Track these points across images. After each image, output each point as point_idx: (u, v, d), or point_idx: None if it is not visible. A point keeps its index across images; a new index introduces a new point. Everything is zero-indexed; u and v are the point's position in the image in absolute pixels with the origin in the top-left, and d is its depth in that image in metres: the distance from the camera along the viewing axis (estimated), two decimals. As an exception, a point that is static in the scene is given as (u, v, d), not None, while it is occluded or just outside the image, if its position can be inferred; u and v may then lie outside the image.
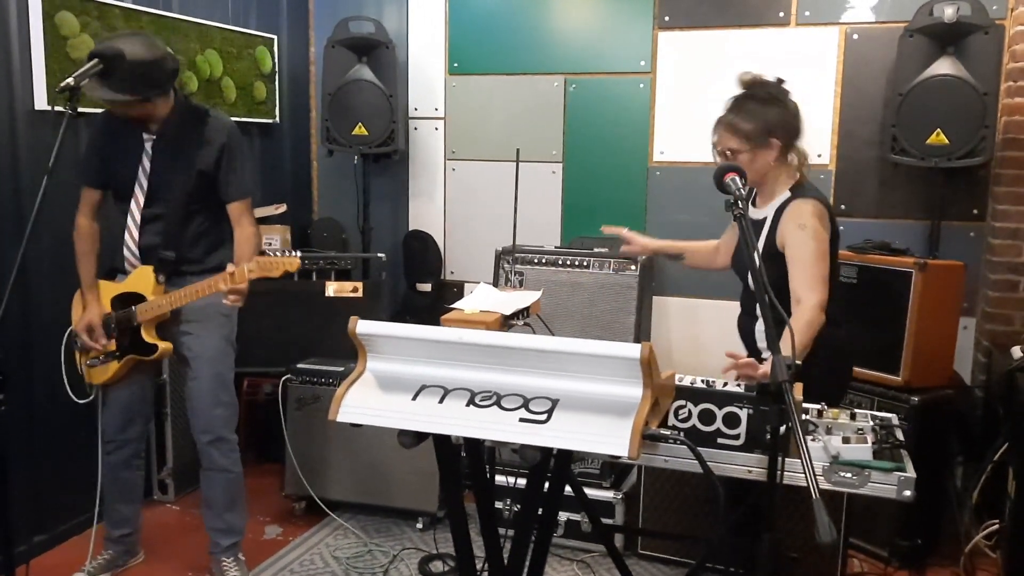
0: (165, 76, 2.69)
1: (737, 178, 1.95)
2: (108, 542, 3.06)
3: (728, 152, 2.39)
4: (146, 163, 2.79)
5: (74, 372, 2.94)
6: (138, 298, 2.80)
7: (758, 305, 2.37)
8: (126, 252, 2.83)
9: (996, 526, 3.03)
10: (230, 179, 2.84)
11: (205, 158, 2.80)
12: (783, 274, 2.32)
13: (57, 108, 2.51)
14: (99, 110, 3.08)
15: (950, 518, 3.22)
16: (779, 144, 2.37)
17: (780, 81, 2.45)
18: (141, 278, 2.81)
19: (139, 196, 2.80)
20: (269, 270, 2.62)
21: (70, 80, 2.25)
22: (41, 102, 3.08)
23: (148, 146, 2.79)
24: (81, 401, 2.93)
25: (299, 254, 2.63)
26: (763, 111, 2.37)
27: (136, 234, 2.81)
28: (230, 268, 2.64)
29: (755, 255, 1.80)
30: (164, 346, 2.82)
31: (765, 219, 2.44)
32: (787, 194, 2.42)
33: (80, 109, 2.32)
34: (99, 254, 2.89)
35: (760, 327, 2.44)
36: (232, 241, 2.90)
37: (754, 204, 2.51)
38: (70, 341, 2.94)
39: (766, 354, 2.39)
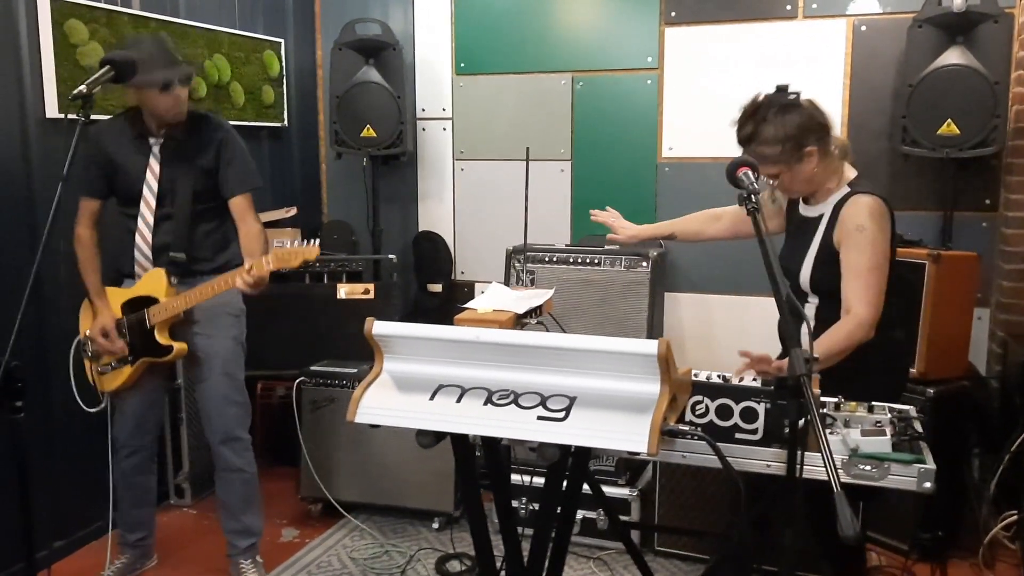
0: (188, 69, 2.79)
1: (750, 172, 1.93)
2: (124, 547, 3.08)
3: (767, 177, 2.28)
4: (155, 166, 2.81)
5: (84, 381, 2.95)
6: (150, 301, 2.81)
7: (807, 307, 2.32)
8: (138, 256, 2.83)
9: (1015, 517, 3.02)
10: (229, 174, 2.86)
11: (206, 157, 2.83)
12: (837, 273, 2.23)
13: (70, 116, 2.51)
14: (107, 117, 3.09)
15: (968, 510, 3.21)
16: (815, 150, 2.25)
17: (781, 88, 2.29)
18: (153, 281, 2.82)
19: (150, 199, 2.81)
20: (288, 260, 2.59)
21: (83, 87, 2.26)
22: (52, 110, 3.10)
23: (156, 150, 2.82)
24: (91, 410, 2.94)
25: (317, 242, 2.60)
26: (783, 128, 2.22)
27: (149, 237, 2.82)
28: (248, 263, 2.63)
29: (769, 249, 1.78)
30: (179, 347, 2.83)
31: (822, 216, 2.32)
32: (846, 189, 2.30)
33: (93, 116, 2.33)
34: (102, 261, 2.90)
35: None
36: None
37: (808, 202, 2.40)
38: (79, 350, 2.95)
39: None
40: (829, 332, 2.13)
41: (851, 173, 2.35)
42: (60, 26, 3.11)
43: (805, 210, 2.42)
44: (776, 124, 2.23)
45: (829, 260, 2.27)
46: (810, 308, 2.35)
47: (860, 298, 2.16)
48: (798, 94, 2.27)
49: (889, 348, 2.28)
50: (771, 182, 2.32)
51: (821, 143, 2.27)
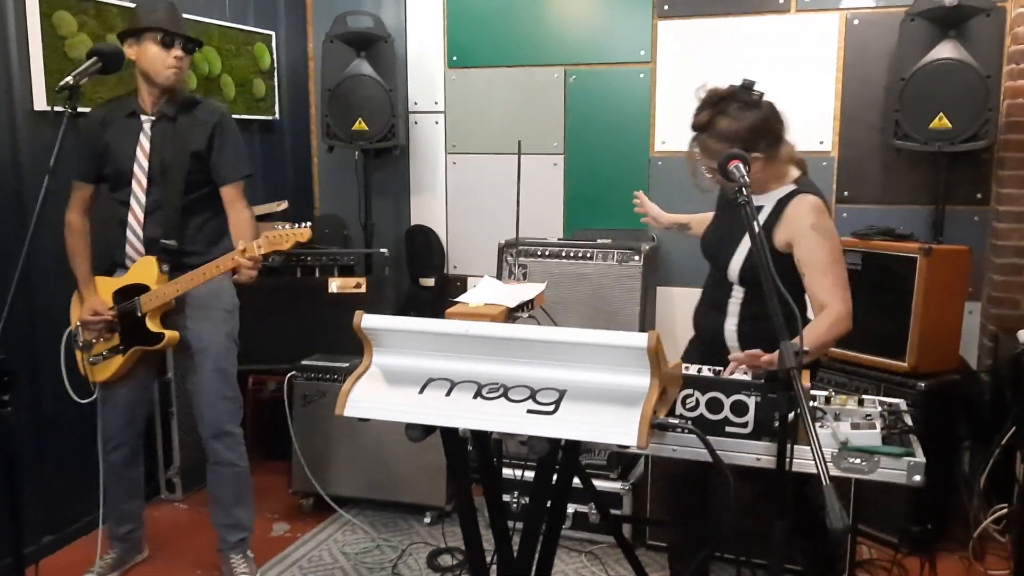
0: (194, 41, 2.84)
1: (741, 165, 1.93)
2: (114, 540, 3.07)
3: (709, 170, 2.29)
4: (144, 143, 2.79)
5: (75, 372, 2.93)
6: (141, 289, 2.79)
7: (731, 300, 2.33)
8: (129, 242, 2.81)
9: (1005, 510, 3.03)
10: (222, 160, 2.84)
11: (198, 140, 2.81)
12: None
13: (57, 108, 2.51)
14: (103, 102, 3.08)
15: (958, 503, 3.22)
16: (761, 156, 2.23)
17: (747, 86, 2.26)
18: (144, 269, 2.80)
19: (140, 179, 2.79)
20: (279, 243, 2.57)
21: (69, 79, 2.24)
22: (40, 102, 3.08)
23: (147, 127, 2.80)
24: (83, 401, 2.92)
25: (309, 224, 2.59)
26: (736, 126, 2.22)
27: (141, 220, 2.80)
28: (241, 245, 2.61)
29: (762, 248, 1.78)
30: (171, 334, 2.81)
31: (760, 208, 2.32)
32: (791, 187, 2.30)
33: (80, 108, 2.31)
34: (93, 250, 2.88)
35: (729, 325, 2.35)
36: None
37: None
38: (70, 341, 2.93)
39: (735, 353, 2.32)
40: (810, 327, 2.13)
41: (795, 173, 2.35)
42: (48, 18, 3.09)
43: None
44: (731, 120, 2.23)
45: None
46: (735, 301, 2.35)
47: (833, 294, 2.16)
48: (762, 94, 2.26)
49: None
50: (709, 174, 2.31)
51: (769, 150, 2.26)
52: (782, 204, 2.28)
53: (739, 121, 2.22)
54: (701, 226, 2.80)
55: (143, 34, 2.71)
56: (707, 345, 2.41)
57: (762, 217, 2.30)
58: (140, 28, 2.70)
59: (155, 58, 2.72)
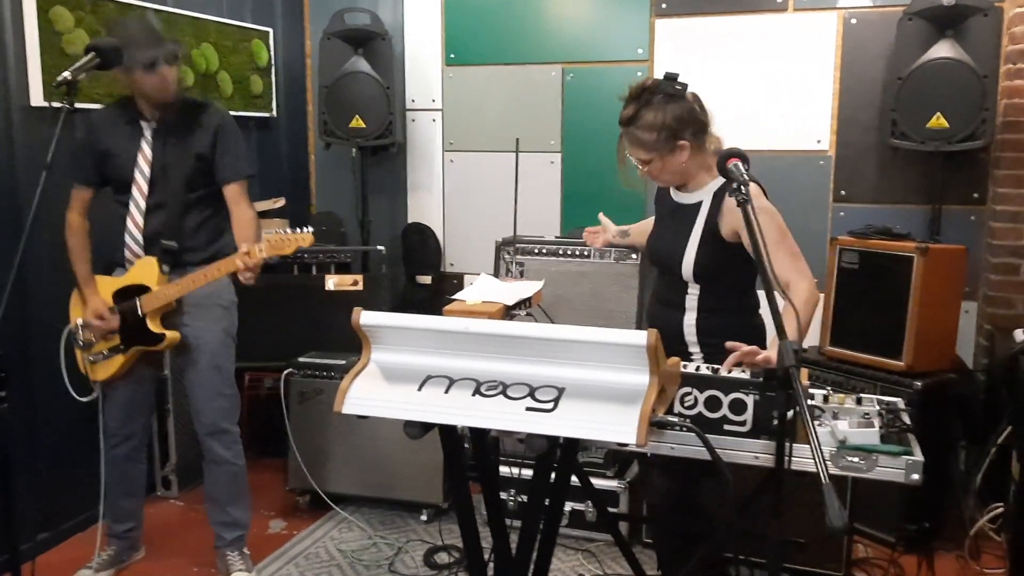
0: (174, 47, 2.76)
1: (740, 164, 1.93)
2: (111, 538, 3.06)
3: (639, 162, 2.31)
4: (146, 150, 2.79)
5: (75, 370, 2.92)
6: (141, 290, 2.78)
7: (688, 296, 2.33)
8: (129, 242, 2.80)
9: (1000, 509, 3.04)
10: (225, 161, 2.84)
11: (202, 142, 2.81)
12: (721, 260, 2.26)
13: (54, 103, 2.49)
14: (96, 105, 3.07)
15: (954, 502, 3.23)
16: (687, 144, 2.26)
17: (670, 77, 2.29)
18: (144, 269, 2.79)
19: (141, 184, 2.79)
20: (281, 248, 2.59)
21: (67, 74, 2.24)
22: (37, 98, 3.07)
23: (148, 134, 2.80)
24: (84, 399, 2.92)
25: (310, 229, 2.60)
26: (662, 117, 2.23)
27: (140, 223, 2.80)
28: (244, 248, 2.61)
29: (760, 243, 1.78)
30: (171, 335, 2.81)
31: (700, 203, 2.32)
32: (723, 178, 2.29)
33: (77, 104, 2.30)
34: (93, 250, 2.88)
35: (688, 320, 2.34)
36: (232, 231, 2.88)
37: (681, 189, 2.40)
38: (70, 339, 2.92)
39: (694, 348, 2.34)
40: (787, 311, 2.10)
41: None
42: (45, 13, 3.08)
43: (679, 197, 2.39)
44: (656, 111, 2.24)
45: (713, 247, 2.27)
46: (692, 297, 2.34)
47: (794, 269, 2.16)
48: (685, 85, 2.27)
49: (753, 332, 2.31)
50: (641, 168, 2.32)
51: (696, 138, 2.27)
52: (720, 195, 2.28)
53: (664, 112, 2.23)
54: (641, 235, 2.75)
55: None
56: (666, 341, 2.39)
57: (703, 212, 2.30)
58: (123, 63, 2.60)
59: (142, 82, 2.70)
